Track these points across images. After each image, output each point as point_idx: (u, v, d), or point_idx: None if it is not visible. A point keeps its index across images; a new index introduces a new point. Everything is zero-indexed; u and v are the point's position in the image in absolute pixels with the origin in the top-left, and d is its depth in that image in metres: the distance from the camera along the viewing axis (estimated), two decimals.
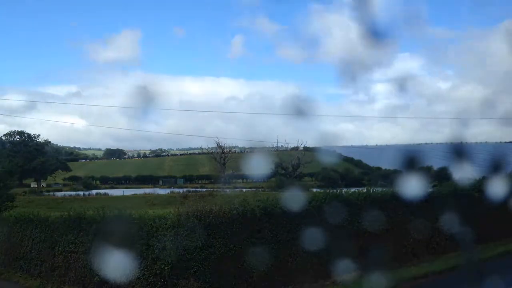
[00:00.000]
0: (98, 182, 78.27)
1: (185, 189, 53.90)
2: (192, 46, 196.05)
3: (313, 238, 10.41)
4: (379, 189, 15.43)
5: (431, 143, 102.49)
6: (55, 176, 75.45)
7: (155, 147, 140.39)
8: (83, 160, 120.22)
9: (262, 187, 48.94)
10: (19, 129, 77.91)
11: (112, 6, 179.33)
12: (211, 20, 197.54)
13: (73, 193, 52.94)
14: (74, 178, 77.50)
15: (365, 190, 15.08)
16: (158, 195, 44.52)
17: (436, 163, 50.99)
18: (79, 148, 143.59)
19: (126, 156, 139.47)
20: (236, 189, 51.44)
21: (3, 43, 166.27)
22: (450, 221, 12.40)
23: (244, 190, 47.58)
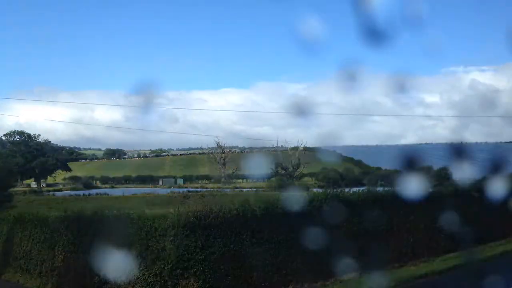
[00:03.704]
0: (98, 182, 78.36)
1: (185, 189, 53.79)
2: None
3: (313, 238, 10.40)
4: (379, 189, 15.43)
5: (431, 143, 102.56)
6: (55, 176, 75.54)
7: (155, 147, 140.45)
8: (83, 160, 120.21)
9: (262, 187, 48.85)
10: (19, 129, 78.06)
11: None
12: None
13: (73, 193, 52.87)
14: (74, 178, 77.53)
15: (365, 190, 15.08)
16: (158, 195, 44.44)
17: (436, 163, 50.96)
18: (79, 148, 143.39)
19: (126, 156, 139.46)
20: (236, 189, 51.39)
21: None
22: (450, 221, 12.40)
23: (244, 190, 47.52)
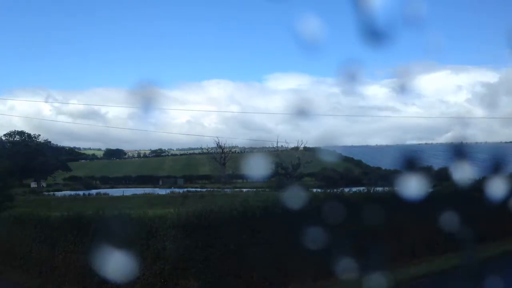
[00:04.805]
0: (98, 182, 78.17)
1: (185, 189, 53.69)
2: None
3: (313, 238, 10.40)
4: (379, 189, 15.43)
5: (431, 143, 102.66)
6: (55, 176, 75.44)
7: (155, 147, 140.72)
8: (83, 160, 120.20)
9: (262, 187, 48.76)
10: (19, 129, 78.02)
11: None
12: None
13: (73, 193, 52.81)
14: (74, 178, 77.41)
15: (365, 190, 15.09)
16: (158, 195, 44.40)
17: (436, 163, 51.02)
18: (79, 148, 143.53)
19: (126, 156, 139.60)
20: (236, 189, 51.35)
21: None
22: (450, 221, 12.39)
23: (244, 190, 47.44)
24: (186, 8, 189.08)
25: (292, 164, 63.84)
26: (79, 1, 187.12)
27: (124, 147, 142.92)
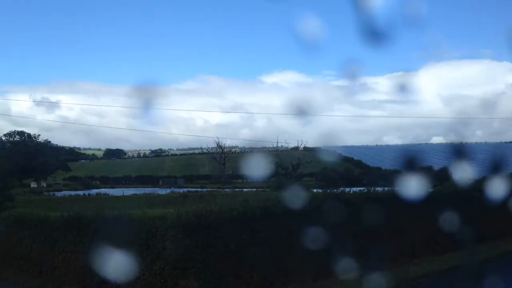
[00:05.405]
0: (98, 182, 78.15)
1: (185, 189, 53.66)
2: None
3: (313, 238, 10.40)
4: (379, 189, 15.43)
5: (431, 143, 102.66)
6: (55, 176, 75.44)
7: (155, 147, 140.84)
8: (83, 160, 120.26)
9: (262, 187, 48.75)
10: (19, 129, 78.05)
11: None
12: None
13: (73, 193, 52.80)
14: (74, 178, 77.41)
15: (365, 190, 15.09)
16: (158, 195, 44.38)
17: (436, 163, 51.05)
18: (79, 148, 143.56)
19: (126, 156, 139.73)
20: (236, 189, 51.33)
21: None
22: (450, 221, 12.38)
23: (244, 190, 47.42)
24: (184, 8, 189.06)
25: (292, 164, 63.88)
26: (79, 1, 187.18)
27: (124, 147, 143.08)
